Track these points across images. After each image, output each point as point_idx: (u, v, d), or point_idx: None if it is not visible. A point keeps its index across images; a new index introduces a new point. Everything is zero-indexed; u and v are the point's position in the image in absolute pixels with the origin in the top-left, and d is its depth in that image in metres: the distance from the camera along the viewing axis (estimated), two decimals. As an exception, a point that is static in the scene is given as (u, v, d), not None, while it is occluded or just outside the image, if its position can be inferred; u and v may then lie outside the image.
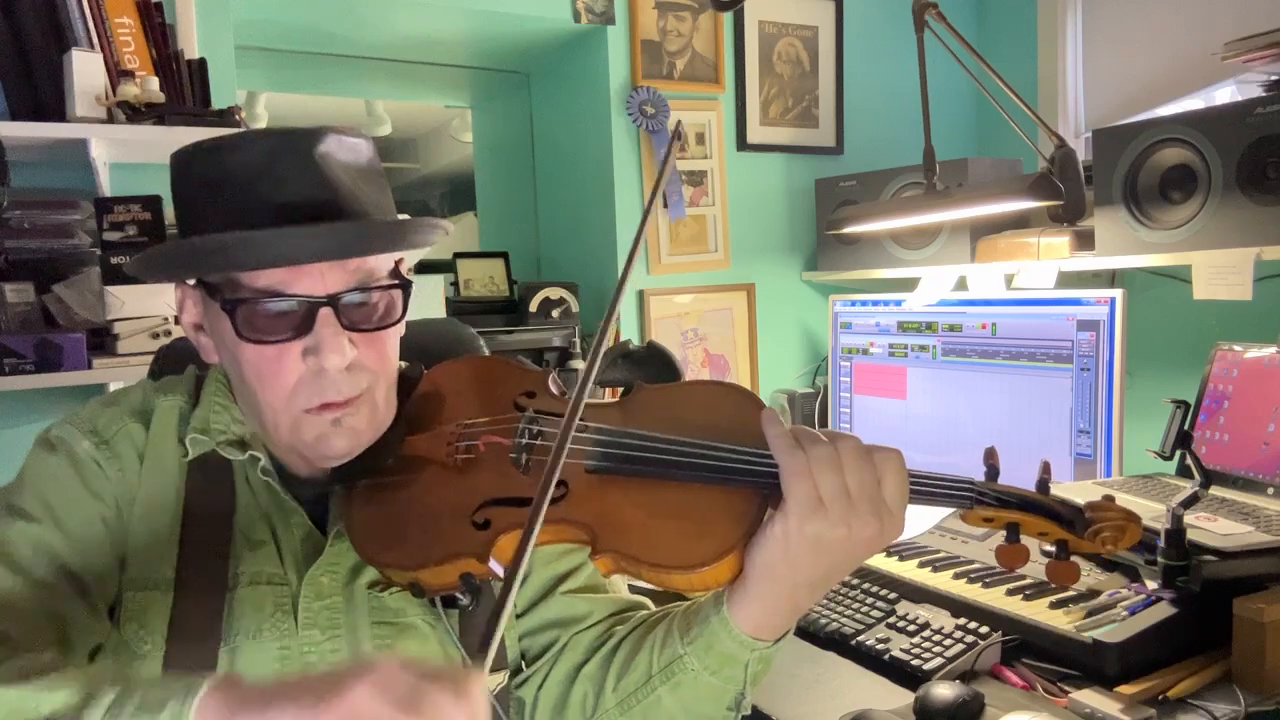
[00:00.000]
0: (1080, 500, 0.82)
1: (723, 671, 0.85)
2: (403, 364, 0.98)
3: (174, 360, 1.17)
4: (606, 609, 0.99)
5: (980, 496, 0.81)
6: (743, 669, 0.85)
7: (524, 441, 0.88)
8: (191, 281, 0.89)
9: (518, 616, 1.01)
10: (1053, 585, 0.84)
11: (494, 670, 0.96)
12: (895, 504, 0.77)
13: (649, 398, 0.92)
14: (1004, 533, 0.82)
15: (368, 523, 0.89)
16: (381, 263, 0.88)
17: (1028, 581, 1.39)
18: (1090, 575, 1.39)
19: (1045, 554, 0.83)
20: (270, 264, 0.81)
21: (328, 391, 0.85)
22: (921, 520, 1.70)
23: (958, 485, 0.81)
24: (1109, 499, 0.82)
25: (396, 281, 0.89)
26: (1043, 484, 0.83)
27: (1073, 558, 0.81)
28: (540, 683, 0.99)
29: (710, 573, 0.78)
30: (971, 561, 1.51)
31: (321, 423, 0.86)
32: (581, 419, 0.84)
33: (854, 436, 0.78)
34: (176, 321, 1.69)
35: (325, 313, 0.83)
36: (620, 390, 0.94)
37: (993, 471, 0.84)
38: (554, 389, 0.96)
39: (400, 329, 0.92)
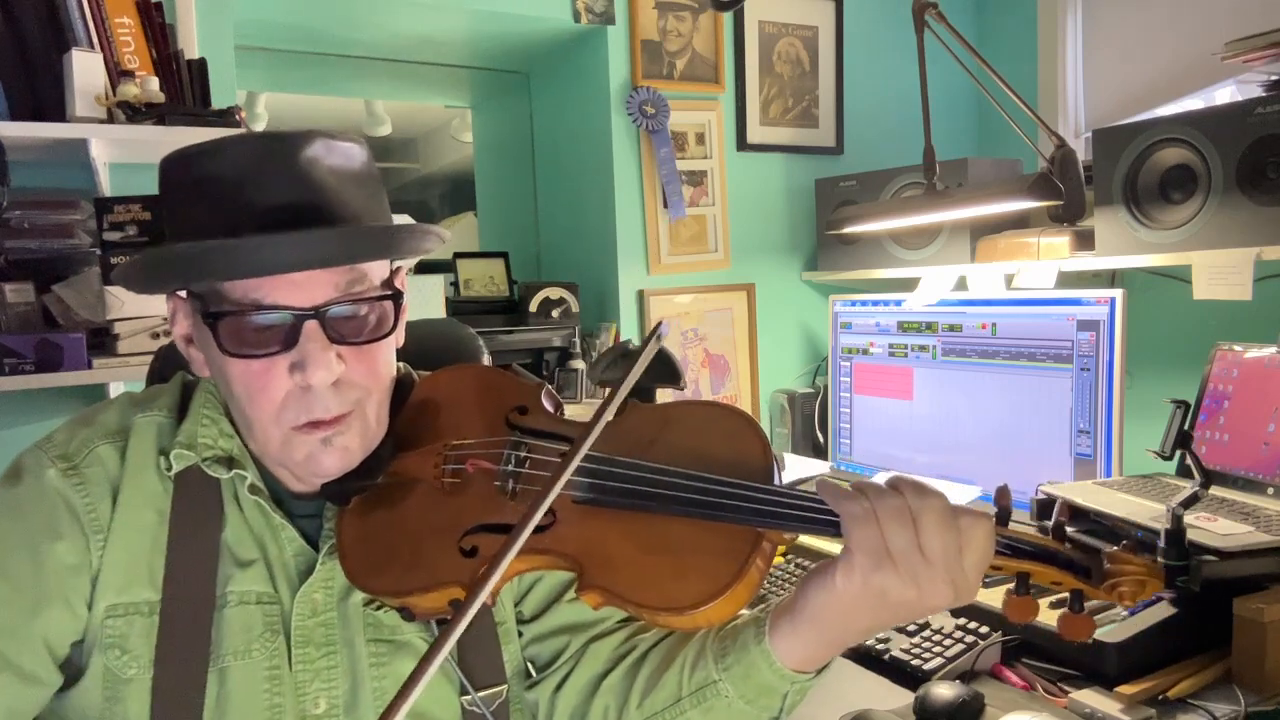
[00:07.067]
0: (1100, 546, 0.75)
1: (759, 701, 0.82)
2: (400, 365, 0.94)
3: (174, 360, 1.16)
4: (621, 612, 0.96)
5: None
6: (780, 699, 0.82)
7: (509, 469, 0.84)
8: (183, 293, 0.85)
9: (527, 622, 0.99)
10: (1064, 638, 0.76)
11: (490, 686, 0.94)
12: (975, 573, 0.72)
13: (643, 420, 0.86)
14: (1013, 581, 0.75)
15: (356, 547, 0.86)
16: (375, 271, 0.83)
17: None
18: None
19: (1053, 606, 0.75)
20: (248, 273, 0.76)
21: (315, 408, 0.81)
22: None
23: None
24: (1128, 547, 0.74)
25: (388, 293, 0.84)
26: (1059, 528, 0.75)
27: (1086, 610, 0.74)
28: (556, 686, 0.96)
29: (702, 615, 0.74)
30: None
31: (310, 441, 0.82)
32: (572, 441, 0.79)
33: (941, 495, 0.73)
34: (175, 323, 1.69)
35: (311, 326, 0.78)
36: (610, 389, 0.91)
37: (1004, 514, 0.76)
38: (548, 404, 0.92)
39: (395, 340, 0.87)
